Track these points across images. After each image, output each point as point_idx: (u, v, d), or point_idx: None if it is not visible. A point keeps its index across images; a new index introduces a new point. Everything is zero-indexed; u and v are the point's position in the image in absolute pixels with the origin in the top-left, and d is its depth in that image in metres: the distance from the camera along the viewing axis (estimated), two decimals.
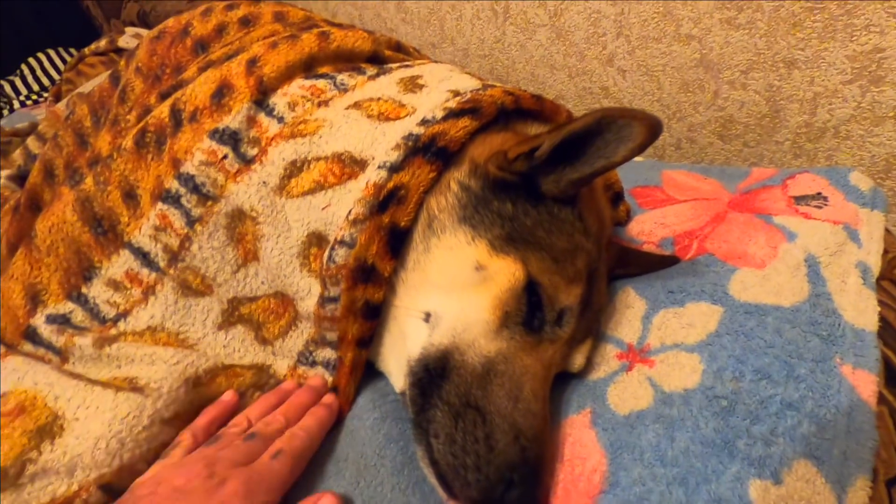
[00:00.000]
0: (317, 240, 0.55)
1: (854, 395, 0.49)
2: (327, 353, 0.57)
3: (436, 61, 0.75)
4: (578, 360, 0.54)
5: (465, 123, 0.54)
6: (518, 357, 0.48)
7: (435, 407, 0.46)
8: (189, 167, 0.56)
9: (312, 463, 0.51)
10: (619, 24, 1.07)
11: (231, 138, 0.57)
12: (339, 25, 0.77)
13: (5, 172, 0.90)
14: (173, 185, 0.56)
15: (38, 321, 0.55)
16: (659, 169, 0.90)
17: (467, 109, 0.55)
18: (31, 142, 0.94)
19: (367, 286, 0.51)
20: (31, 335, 0.55)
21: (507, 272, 0.50)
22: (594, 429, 0.50)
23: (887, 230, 0.71)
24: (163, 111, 0.60)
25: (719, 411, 0.48)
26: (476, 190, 0.53)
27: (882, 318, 0.57)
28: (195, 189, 0.56)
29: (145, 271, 0.57)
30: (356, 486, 0.50)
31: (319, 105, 0.60)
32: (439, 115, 0.55)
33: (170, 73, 0.71)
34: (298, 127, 0.58)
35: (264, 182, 0.56)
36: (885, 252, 0.66)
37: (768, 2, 0.89)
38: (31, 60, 1.90)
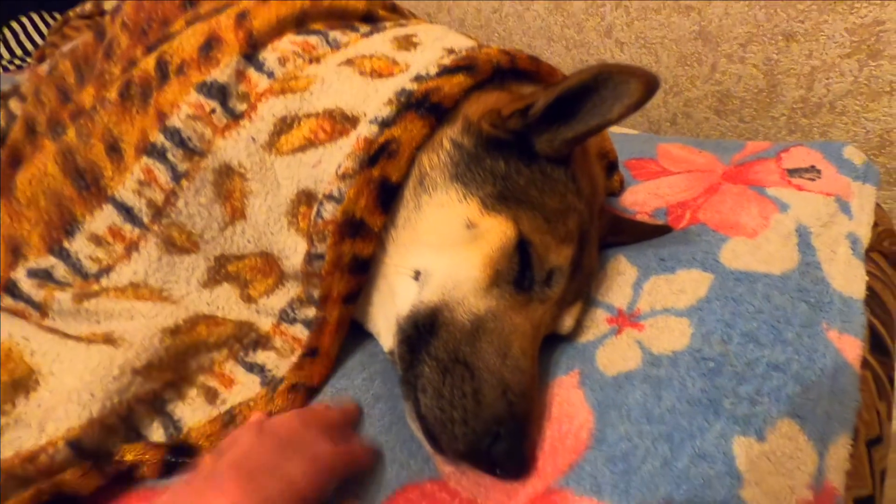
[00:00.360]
0: (306, 198, 0.54)
1: (839, 358, 0.49)
2: (310, 312, 0.56)
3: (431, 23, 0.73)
4: (568, 323, 0.54)
5: (460, 80, 0.53)
6: (507, 315, 0.48)
7: (423, 362, 0.46)
8: (175, 121, 0.55)
9: None
10: None
11: (219, 92, 0.55)
12: None
13: None
14: (158, 138, 0.55)
15: (19, 274, 0.54)
16: (654, 142, 0.90)
17: (462, 66, 0.54)
18: (13, 103, 0.91)
19: (354, 240, 0.50)
20: (11, 288, 0.54)
21: (498, 230, 0.49)
22: (582, 388, 0.50)
23: (878, 205, 0.71)
24: (148, 63, 0.58)
25: (706, 372, 0.48)
26: (469, 147, 0.52)
27: (870, 288, 0.58)
28: (181, 143, 0.55)
29: (128, 227, 0.55)
30: None
31: (311, 61, 0.59)
32: (433, 71, 0.54)
33: (156, 27, 0.69)
34: (289, 83, 0.56)
35: (253, 138, 0.55)
36: (876, 225, 0.67)
37: None
38: (14, 24, 1.84)
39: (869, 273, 0.60)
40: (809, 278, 0.57)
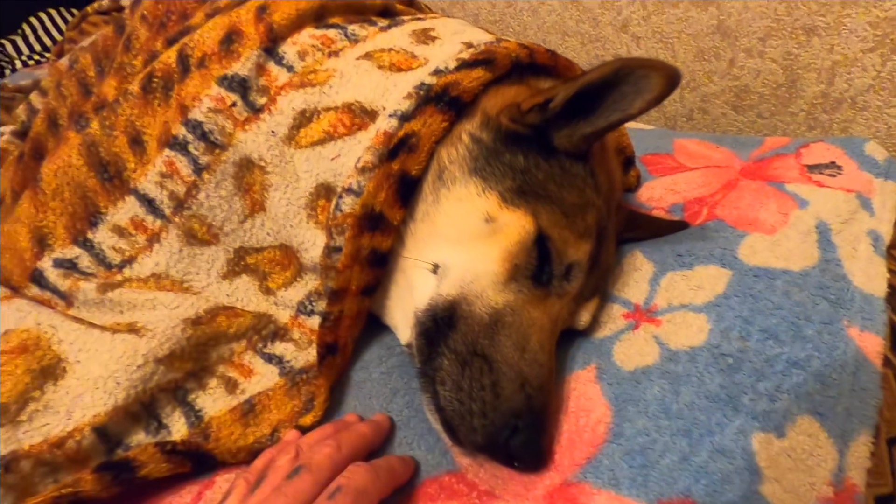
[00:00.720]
0: (325, 191, 0.54)
1: (860, 355, 0.49)
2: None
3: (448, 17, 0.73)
4: (585, 318, 0.54)
5: (479, 74, 0.53)
6: (525, 309, 0.48)
7: (442, 355, 0.46)
8: (197, 114, 0.55)
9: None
10: None
11: (240, 86, 0.56)
12: None
13: (9, 128, 0.89)
14: (180, 131, 0.56)
15: (46, 264, 0.55)
16: (671, 137, 0.89)
17: (481, 60, 0.54)
18: (34, 97, 0.93)
19: (374, 234, 0.50)
20: (38, 278, 0.55)
21: (517, 225, 0.49)
22: (599, 383, 0.50)
23: None
24: (170, 56, 0.59)
25: (725, 368, 0.48)
26: (488, 142, 0.52)
27: (891, 286, 0.57)
28: (203, 136, 0.55)
29: (150, 218, 0.56)
30: None
31: (330, 55, 0.59)
32: (452, 65, 0.54)
33: (176, 20, 0.69)
34: (308, 76, 0.57)
35: (273, 131, 0.55)
36: None
37: None
38: (33, 20, 1.86)
39: (890, 270, 0.59)
40: (830, 275, 0.56)
